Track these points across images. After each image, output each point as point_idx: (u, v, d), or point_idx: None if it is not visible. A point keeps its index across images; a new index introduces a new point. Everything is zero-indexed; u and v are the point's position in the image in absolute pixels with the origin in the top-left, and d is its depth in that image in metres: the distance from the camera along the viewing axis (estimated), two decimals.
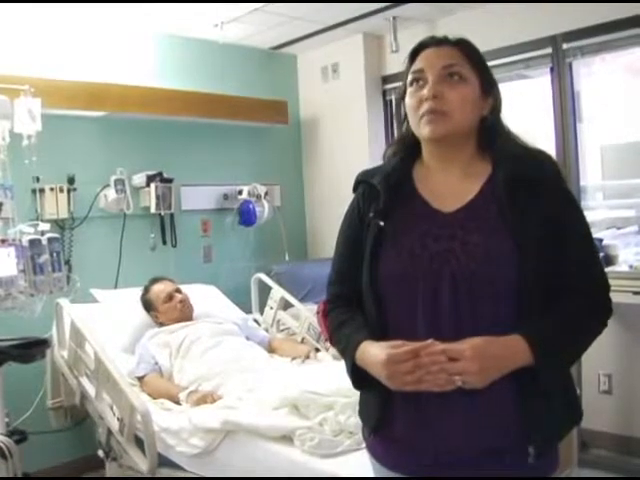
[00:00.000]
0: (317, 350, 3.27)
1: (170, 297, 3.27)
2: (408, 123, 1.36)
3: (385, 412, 1.31)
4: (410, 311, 1.26)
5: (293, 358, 3.16)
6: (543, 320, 1.21)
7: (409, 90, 1.33)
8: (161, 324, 3.24)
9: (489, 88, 1.34)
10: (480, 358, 1.15)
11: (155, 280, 3.36)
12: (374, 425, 1.34)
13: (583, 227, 1.31)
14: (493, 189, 1.28)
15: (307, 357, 3.15)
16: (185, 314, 3.26)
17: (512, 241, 1.22)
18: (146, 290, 3.33)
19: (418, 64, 1.32)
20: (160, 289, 3.29)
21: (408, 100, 1.33)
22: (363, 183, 1.42)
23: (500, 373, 1.18)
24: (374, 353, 1.24)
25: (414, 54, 1.35)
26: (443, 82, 1.28)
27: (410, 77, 1.33)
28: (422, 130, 1.30)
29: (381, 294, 1.31)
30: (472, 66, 1.31)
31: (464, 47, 1.32)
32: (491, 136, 1.34)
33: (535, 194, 1.24)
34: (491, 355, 1.16)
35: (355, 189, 1.45)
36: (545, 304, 1.22)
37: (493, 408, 1.22)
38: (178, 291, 3.32)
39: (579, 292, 1.25)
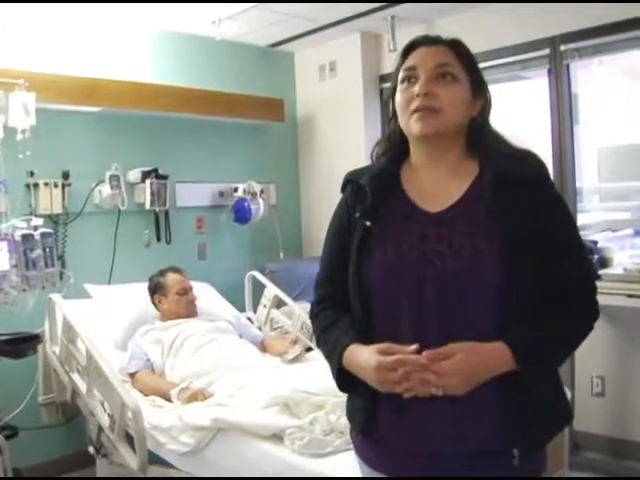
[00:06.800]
0: (308, 349, 3.25)
1: (185, 292, 3.25)
2: (396, 121, 1.35)
3: (371, 414, 1.31)
4: (395, 311, 1.26)
5: (282, 354, 3.14)
6: (527, 326, 1.20)
7: (400, 87, 1.32)
8: (162, 312, 3.22)
9: (479, 89, 1.33)
10: (462, 373, 1.16)
11: (175, 269, 3.33)
12: (361, 427, 1.34)
13: (570, 227, 1.30)
14: (480, 189, 1.27)
15: (294, 343, 3.17)
16: (188, 314, 3.23)
17: (498, 241, 1.21)
18: (162, 273, 3.29)
19: (410, 61, 1.31)
20: (179, 279, 3.26)
21: (398, 97, 1.32)
22: (351, 183, 1.41)
23: (482, 379, 1.19)
24: (364, 358, 1.23)
25: (406, 52, 1.34)
26: (435, 81, 1.27)
27: (402, 74, 1.32)
28: (412, 127, 1.28)
29: (367, 294, 1.30)
30: (464, 67, 1.30)
31: (457, 47, 1.32)
32: (479, 137, 1.33)
33: (521, 194, 1.23)
34: (474, 367, 1.17)
35: (343, 189, 1.43)
36: (532, 305, 1.21)
37: (477, 410, 1.22)
38: (191, 290, 3.31)
39: (566, 294, 1.24)
